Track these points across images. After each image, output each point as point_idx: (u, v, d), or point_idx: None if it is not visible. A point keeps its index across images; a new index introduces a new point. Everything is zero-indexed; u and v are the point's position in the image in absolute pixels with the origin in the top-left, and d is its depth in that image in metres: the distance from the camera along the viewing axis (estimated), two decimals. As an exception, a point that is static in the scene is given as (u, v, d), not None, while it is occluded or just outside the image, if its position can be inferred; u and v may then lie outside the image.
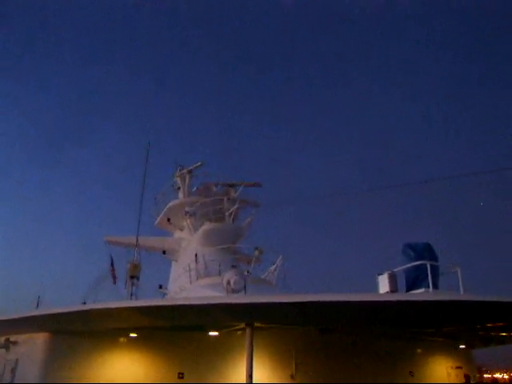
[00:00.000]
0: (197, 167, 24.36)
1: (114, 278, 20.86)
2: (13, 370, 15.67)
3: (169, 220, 23.88)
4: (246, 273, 16.98)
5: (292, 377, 16.77)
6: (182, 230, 23.65)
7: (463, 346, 21.39)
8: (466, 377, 19.00)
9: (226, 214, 21.80)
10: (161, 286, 22.23)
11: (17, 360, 15.84)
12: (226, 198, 22.12)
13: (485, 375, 40.85)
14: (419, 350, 20.58)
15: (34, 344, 15.44)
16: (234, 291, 13.34)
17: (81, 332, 15.14)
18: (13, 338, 16.50)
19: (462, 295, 10.56)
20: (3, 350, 16.51)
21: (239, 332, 14.23)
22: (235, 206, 21.93)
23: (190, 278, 18.73)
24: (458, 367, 21.69)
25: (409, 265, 12.07)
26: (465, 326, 14.74)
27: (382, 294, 11.69)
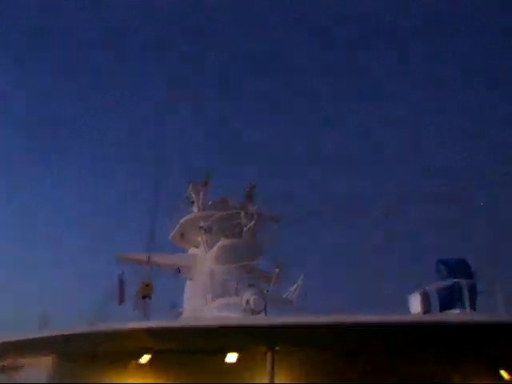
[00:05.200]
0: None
1: (122, 298, 19.62)
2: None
3: (183, 236, 23.20)
4: (265, 292, 16.35)
5: None
6: (196, 246, 22.90)
7: (506, 373, 20.42)
8: None
9: (244, 229, 21.09)
10: (174, 306, 21.49)
11: None
12: (243, 213, 21.38)
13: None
14: (456, 377, 19.62)
15: (39, 367, 14.82)
16: (253, 312, 12.83)
17: (88, 354, 14.42)
18: (16, 361, 15.81)
19: (503, 315, 10.13)
20: (6, 374, 15.97)
21: (259, 356, 13.58)
22: (253, 221, 21.22)
23: (206, 297, 18.19)
24: None
25: (442, 282, 11.43)
26: (507, 351, 14.04)
27: (417, 315, 11.06)
